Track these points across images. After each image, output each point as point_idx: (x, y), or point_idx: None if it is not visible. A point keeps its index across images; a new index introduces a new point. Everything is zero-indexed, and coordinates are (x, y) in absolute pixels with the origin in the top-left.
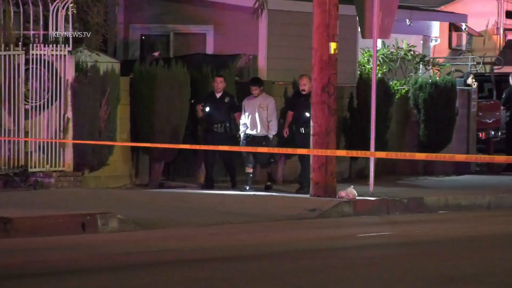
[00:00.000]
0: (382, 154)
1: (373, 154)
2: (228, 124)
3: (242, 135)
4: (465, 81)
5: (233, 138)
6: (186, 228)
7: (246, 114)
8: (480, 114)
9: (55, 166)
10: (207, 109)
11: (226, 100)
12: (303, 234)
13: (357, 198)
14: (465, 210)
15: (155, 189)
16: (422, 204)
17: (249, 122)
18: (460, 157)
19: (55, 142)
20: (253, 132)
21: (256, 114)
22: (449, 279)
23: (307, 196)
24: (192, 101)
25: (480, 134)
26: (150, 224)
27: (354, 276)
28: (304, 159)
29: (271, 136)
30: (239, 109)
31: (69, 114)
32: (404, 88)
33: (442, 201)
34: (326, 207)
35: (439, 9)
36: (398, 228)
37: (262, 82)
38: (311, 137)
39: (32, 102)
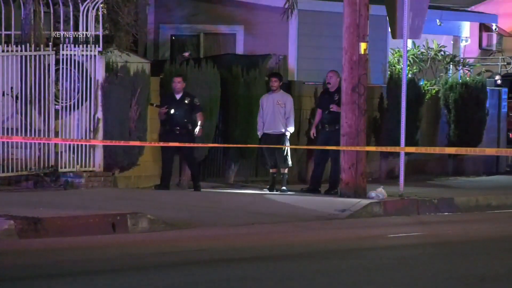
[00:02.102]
0: (411, 149)
1: (402, 149)
2: (190, 127)
3: (259, 134)
4: (495, 81)
5: (195, 140)
6: (217, 228)
7: (263, 110)
8: (511, 114)
9: (85, 166)
10: (172, 111)
11: (186, 101)
12: (334, 234)
13: (387, 198)
14: (496, 210)
15: (185, 189)
16: (453, 205)
17: (265, 119)
18: (491, 151)
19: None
20: (270, 131)
21: (273, 111)
22: (480, 279)
23: (337, 196)
24: (155, 105)
25: (510, 134)
26: (181, 224)
27: (384, 276)
28: (333, 159)
29: (288, 134)
30: (200, 109)
31: (99, 114)
32: (434, 88)
33: (473, 201)
34: (356, 208)
35: (469, 9)
36: (429, 229)
37: (282, 76)
38: (341, 137)
39: (62, 103)
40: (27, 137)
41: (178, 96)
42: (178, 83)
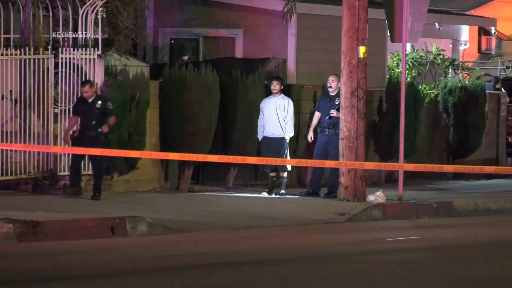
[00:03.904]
0: (410, 167)
1: (401, 167)
2: (100, 130)
3: (259, 137)
4: (494, 85)
5: (106, 144)
6: (216, 232)
7: (264, 114)
8: (510, 118)
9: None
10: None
11: (97, 105)
12: (333, 238)
13: (386, 202)
14: (495, 214)
15: (185, 193)
16: (452, 208)
17: (266, 123)
18: (489, 169)
19: None
20: (270, 135)
21: (274, 115)
22: (479, 283)
23: (336, 200)
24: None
25: (509, 138)
26: (179, 227)
27: (384, 280)
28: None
29: (287, 138)
30: (112, 113)
31: None
32: (433, 92)
33: (472, 205)
34: (356, 211)
35: (468, 13)
36: (428, 232)
37: (283, 80)
38: (340, 141)
39: (61, 106)
40: (26, 144)
41: (90, 100)
42: (85, 92)
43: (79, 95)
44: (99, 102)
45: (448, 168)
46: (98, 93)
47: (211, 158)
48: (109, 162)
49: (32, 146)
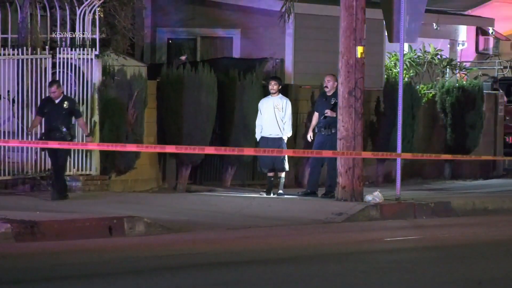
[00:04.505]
0: (408, 155)
1: (398, 155)
2: (66, 130)
3: (257, 137)
4: (492, 85)
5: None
6: (214, 232)
7: (262, 114)
8: (507, 118)
9: (82, 170)
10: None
11: (65, 106)
12: (331, 238)
13: (384, 202)
14: (493, 214)
15: (182, 193)
16: (449, 208)
17: (264, 123)
18: (486, 158)
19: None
20: (268, 135)
21: (272, 115)
22: (477, 283)
23: (334, 200)
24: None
25: (507, 138)
26: (177, 227)
27: (382, 280)
28: (329, 163)
29: (285, 138)
30: (80, 115)
31: (96, 117)
32: (431, 92)
33: (469, 205)
34: (353, 211)
35: (466, 13)
36: (425, 232)
37: (281, 80)
38: (338, 141)
39: None
40: (23, 140)
41: (57, 100)
42: (53, 93)
43: (47, 95)
44: (66, 102)
45: (446, 156)
46: (64, 94)
47: (208, 150)
48: (107, 162)
49: (29, 142)
